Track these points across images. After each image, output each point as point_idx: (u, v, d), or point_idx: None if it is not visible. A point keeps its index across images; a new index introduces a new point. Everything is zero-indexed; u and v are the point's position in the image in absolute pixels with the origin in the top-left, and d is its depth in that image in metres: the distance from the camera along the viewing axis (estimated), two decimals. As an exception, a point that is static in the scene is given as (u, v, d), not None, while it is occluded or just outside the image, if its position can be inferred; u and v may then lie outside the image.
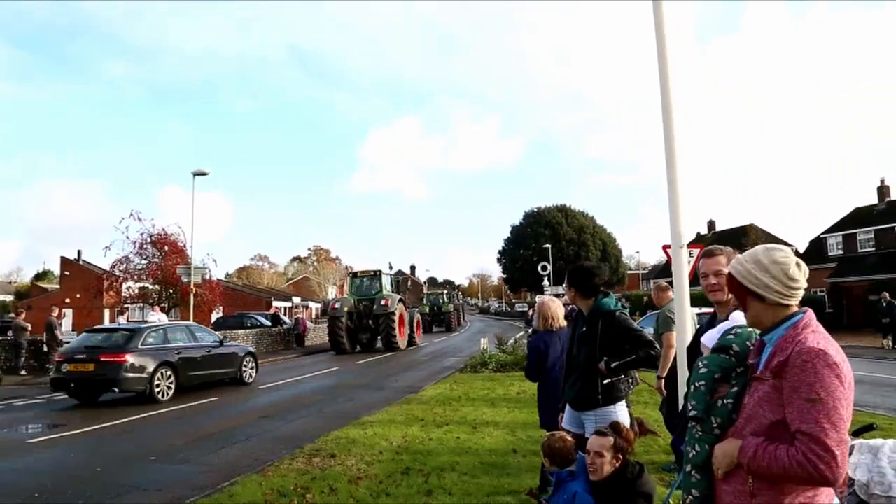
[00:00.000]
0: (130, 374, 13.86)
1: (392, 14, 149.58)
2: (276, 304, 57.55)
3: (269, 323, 36.34)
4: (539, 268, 40.60)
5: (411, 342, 31.56)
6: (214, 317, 38.72)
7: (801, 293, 2.18)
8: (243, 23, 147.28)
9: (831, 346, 2.00)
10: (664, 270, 65.01)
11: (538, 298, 6.82)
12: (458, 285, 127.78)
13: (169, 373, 14.64)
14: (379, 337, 29.09)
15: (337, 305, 29.34)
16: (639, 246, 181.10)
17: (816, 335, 2.05)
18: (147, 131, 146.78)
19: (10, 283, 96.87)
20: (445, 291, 59.64)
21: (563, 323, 5.78)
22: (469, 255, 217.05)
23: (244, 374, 17.34)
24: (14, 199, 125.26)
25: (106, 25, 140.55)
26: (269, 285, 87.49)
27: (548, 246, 52.20)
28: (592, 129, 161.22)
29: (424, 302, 54.53)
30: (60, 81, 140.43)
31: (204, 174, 24.18)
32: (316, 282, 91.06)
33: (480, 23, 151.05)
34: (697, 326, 3.89)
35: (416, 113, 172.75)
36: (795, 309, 2.18)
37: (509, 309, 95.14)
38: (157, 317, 23.17)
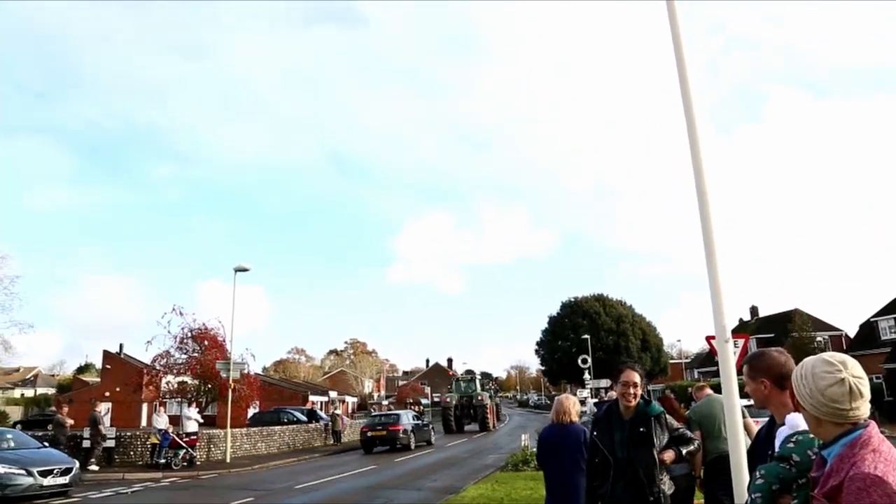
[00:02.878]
0: (402, 436, 26.80)
1: (420, 116, 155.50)
2: (312, 398, 57.12)
3: (305, 418, 35.95)
4: (579, 361, 40.14)
5: (493, 426, 43.69)
6: (251, 412, 38.48)
7: (852, 414, 1.92)
8: (282, 129, 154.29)
9: (892, 472, 1.76)
10: (707, 359, 63.21)
11: (572, 394, 6.82)
12: (496, 377, 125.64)
13: (412, 436, 27.58)
14: (476, 422, 41.86)
15: (448, 399, 42.92)
16: (679, 334, 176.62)
17: (875, 456, 1.81)
18: (190, 229, 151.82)
19: (52, 375, 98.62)
20: (494, 386, 59.50)
21: (575, 419, 6.21)
22: (506, 347, 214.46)
23: (432, 438, 30.87)
24: (61, 294, 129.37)
25: (157, 134, 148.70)
26: (305, 379, 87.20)
27: (586, 336, 51.37)
28: (624, 220, 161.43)
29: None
30: (111, 184, 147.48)
31: (245, 270, 24.73)
32: (352, 376, 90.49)
33: (504, 120, 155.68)
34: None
35: (448, 207, 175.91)
36: (855, 423, 1.93)
37: (549, 402, 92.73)
38: (191, 412, 23.13)
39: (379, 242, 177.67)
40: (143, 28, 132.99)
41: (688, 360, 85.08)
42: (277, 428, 29.55)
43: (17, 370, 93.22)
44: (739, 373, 4.48)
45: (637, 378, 4.62)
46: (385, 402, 61.15)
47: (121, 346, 60.24)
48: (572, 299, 66.35)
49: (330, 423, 33.99)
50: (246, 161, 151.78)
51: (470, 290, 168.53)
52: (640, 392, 4.63)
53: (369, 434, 27.07)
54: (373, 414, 36.42)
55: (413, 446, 27.08)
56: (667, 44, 4.87)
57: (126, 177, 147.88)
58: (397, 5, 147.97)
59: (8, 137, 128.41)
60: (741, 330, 49.67)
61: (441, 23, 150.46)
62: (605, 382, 37.40)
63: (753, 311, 64.54)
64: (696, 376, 66.71)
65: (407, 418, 28.68)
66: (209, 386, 28.64)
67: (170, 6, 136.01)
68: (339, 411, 37.60)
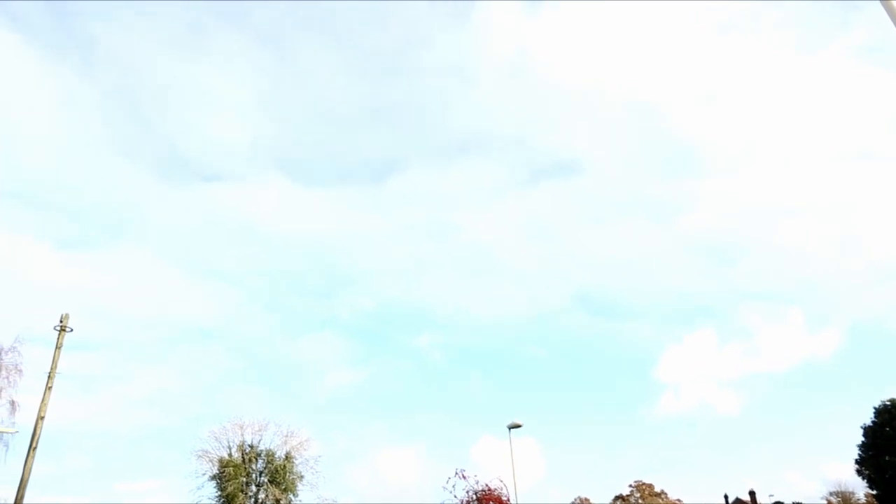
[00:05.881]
0: None
1: (656, 239, 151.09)
2: (606, 551, 53.24)
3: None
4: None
5: None
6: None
7: None
8: (527, 281, 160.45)
9: None
10: None
11: None
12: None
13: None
14: None
15: None
16: None
17: None
18: (457, 390, 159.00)
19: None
20: None
21: None
22: (812, 468, 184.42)
23: None
24: (352, 467, 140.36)
25: (416, 307, 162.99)
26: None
27: (922, 445, 42.44)
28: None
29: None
30: (382, 358, 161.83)
31: (518, 426, 24.79)
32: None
33: (748, 223, 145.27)
34: None
35: (707, 323, 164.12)
36: None
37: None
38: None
39: (642, 373, 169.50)
40: (392, 222, 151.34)
41: None
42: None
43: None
44: None
45: None
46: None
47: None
48: (888, 402, 55.91)
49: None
50: (499, 316, 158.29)
51: (751, 408, 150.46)
52: None
53: None
54: None
55: None
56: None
57: (394, 350, 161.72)
58: (607, 144, 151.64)
59: (303, 335, 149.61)
60: None
61: (654, 147, 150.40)
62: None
63: None
64: None
65: None
66: (501, 548, 28.11)
67: (412, 197, 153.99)
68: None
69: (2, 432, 30.56)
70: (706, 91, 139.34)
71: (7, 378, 30.82)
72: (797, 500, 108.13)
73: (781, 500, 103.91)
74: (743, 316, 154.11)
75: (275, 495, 41.93)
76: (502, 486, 29.20)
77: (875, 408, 56.90)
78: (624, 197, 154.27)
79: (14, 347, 30.98)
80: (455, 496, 29.03)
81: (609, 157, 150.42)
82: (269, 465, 43.20)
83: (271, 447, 44.02)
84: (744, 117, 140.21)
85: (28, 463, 22.64)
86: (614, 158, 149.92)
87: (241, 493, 41.33)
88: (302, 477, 43.85)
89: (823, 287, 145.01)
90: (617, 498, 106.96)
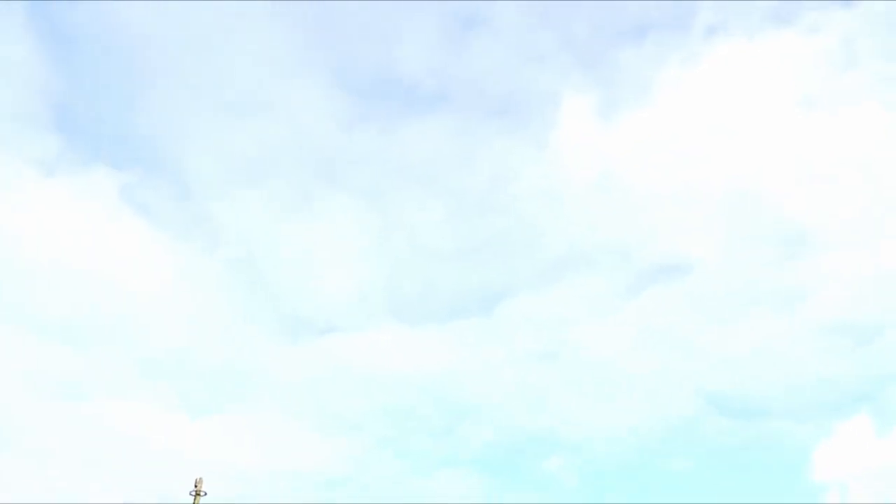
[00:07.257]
0: None
1: (783, 327, 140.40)
2: None
3: None
4: None
5: None
6: None
7: None
8: (649, 392, 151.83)
9: None
10: None
11: None
12: None
13: None
14: None
15: None
16: None
17: None
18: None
19: None
20: None
21: None
22: None
23: None
24: None
25: (541, 432, 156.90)
26: None
27: None
28: None
29: None
30: (513, 488, 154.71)
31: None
32: None
33: (890, 300, 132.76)
34: None
35: (859, 411, 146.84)
36: None
37: None
38: None
39: (797, 474, 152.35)
40: (506, 349, 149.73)
41: None
42: None
43: None
44: None
45: None
46: None
47: None
48: None
49: None
50: (630, 430, 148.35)
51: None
52: None
53: None
54: None
55: None
56: None
57: (524, 479, 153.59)
58: (712, 239, 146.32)
59: (430, 474, 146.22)
60: None
61: (763, 233, 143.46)
62: None
63: None
64: None
65: None
66: None
67: (522, 322, 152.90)
68: None
69: None
70: (805, 167, 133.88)
71: (150, 547, 32.04)
72: None
73: None
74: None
75: None
76: None
77: None
78: (739, 289, 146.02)
79: (155, 516, 32.35)
80: None
81: (716, 251, 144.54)
82: None
83: None
84: (853, 187, 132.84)
85: None
86: (722, 252, 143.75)
87: None
88: None
89: None
90: None
